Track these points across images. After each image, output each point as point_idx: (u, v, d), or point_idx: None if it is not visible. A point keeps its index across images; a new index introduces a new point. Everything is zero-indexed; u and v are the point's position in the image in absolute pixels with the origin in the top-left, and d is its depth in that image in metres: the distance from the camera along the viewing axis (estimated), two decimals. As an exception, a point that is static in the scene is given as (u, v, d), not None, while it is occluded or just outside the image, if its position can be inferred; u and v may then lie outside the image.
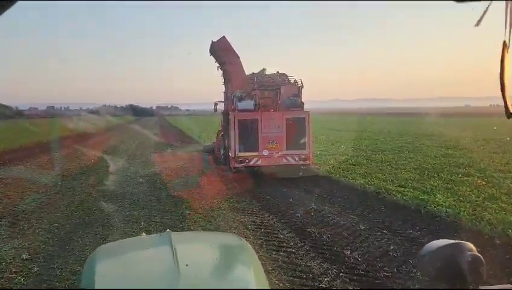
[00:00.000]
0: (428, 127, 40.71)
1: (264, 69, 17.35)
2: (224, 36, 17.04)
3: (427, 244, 1.40)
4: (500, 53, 0.93)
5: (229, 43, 17.04)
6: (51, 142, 30.83)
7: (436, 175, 14.03)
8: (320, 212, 10.47)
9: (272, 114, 14.93)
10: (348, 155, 20.73)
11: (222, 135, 18.07)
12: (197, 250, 2.46)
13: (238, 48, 17.30)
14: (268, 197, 12.54)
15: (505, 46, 0.93)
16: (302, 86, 15.95)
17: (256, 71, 17.32)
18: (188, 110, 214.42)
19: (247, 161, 14.64)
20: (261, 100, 15.34)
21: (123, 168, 18.60)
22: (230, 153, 15.11)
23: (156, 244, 2.46)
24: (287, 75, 16.69)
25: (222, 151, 17.56)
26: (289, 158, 14.74)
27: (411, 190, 11.72)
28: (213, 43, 17.14)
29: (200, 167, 18.81)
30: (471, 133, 31.30)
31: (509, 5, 0.91)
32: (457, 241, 1.37)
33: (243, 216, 10.27)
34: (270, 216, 10.27)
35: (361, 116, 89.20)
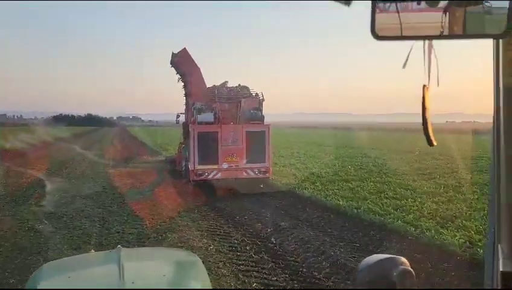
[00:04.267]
0: (413, 143, 37.07)
1: (225, 82, 16.91)
2: (185, 48, 17.01)
3: (365, 259, 1.41)
4: (422, 95, 1.06)
5: (189, 55, 16.99)
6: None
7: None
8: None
9: (232, 127, 14.80)
10: (372, 181, 15.81)
11: (183, 147, 17.58)
12: (146, 266, 2.41)
13: (199, 60, 17.43)
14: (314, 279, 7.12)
15: (425, 88, 1.06)
16: (263, 100, 15.86)
17: (217, 84, 16.88)
18: (150, 120, 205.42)
19: (206, 174, 14.38)
20: (221, 113, 15.21)
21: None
22: (189, 166, 14.68)
23: (104, 261, 2.39)
24: (248, 88, 16.43)
25: (183, 164, 16.91)
26: (249, 171, 14.62)
27: None
28: (173, 54, 17.04)
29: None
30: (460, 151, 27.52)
31: (426, 51, 1.02)
32: (391, 255, 1.39)
33: None
34: None
35: (329, 130, 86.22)
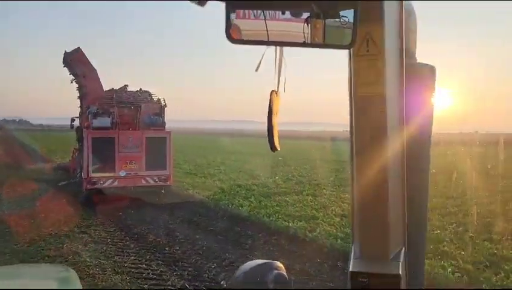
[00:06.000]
0: (325, 152, 37.34)
1: (125, 86, 16.02)
2: (79, 47, 15.98)
3: (242, 265, 1.40)
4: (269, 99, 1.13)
5: (84, 55, 15.94)
6: None
7: None
8: None
9: (130, 133, 14.20)
10: (309, 195, 14.41)
11: (77, 153, 16.55)
12: (7, 285, 2.05)
13: (97, 62, 16.79)
14: None
15: (273, 93, 1.13)
16: (165, 105, 15.35)
17: (117, 87, 15.98)
18: (41, 124, 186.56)
19: (101, 182, 13.38)
20: (119, 118, 14.37)
21: None
22: (83, 174, 13.87)
23: None
24: (150, 93, 15.86)
25: (78, 171, 15.82)
26: (148, 179, 13.94)
27: None
28: (66, 54, 15.82)
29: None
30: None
31: (277, 58, 1.11)
32: (268, 261, 1.40)
33: None
34: None
35: (240, 137, 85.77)
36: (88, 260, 7.82)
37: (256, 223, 10.90)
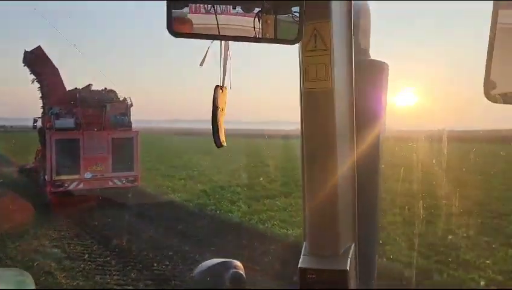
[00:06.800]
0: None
1: (90, 85, 15.59)
2: (39, 46, 15.35)
3: (202, 263, 1.40)
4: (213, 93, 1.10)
5: (45, 54, 15.26)
6: None
7: None
8: None
9: (95, 133, 13.95)
10: (299, 197, 13.56)
11: (41, 155, 15.89)
12: None
13: (58, 60, 16.46)
14: None
15: (218, 88, 1.10)
16: (131, 105, 15.22)
17: (81, 86, 15.61)
18: (4, 126, 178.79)
19: (66, 184, 13.06)
20: (83, 118, 14.08)
21: None
22: (46, 177, 13.49)
23: None
24: (115, 92, 15.54)
25: (42, 173, 15.21)
26: (115, 180, 13.77)
27: None
28: (26, 53, 15.25)
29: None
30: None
31: (222, 53, 1.09)
32: (227, 259, 1.39)
33: None
34: None
35: (207, 137, 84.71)
36: (64, 281, 6.69)
37: (249, 230, 10.06)
